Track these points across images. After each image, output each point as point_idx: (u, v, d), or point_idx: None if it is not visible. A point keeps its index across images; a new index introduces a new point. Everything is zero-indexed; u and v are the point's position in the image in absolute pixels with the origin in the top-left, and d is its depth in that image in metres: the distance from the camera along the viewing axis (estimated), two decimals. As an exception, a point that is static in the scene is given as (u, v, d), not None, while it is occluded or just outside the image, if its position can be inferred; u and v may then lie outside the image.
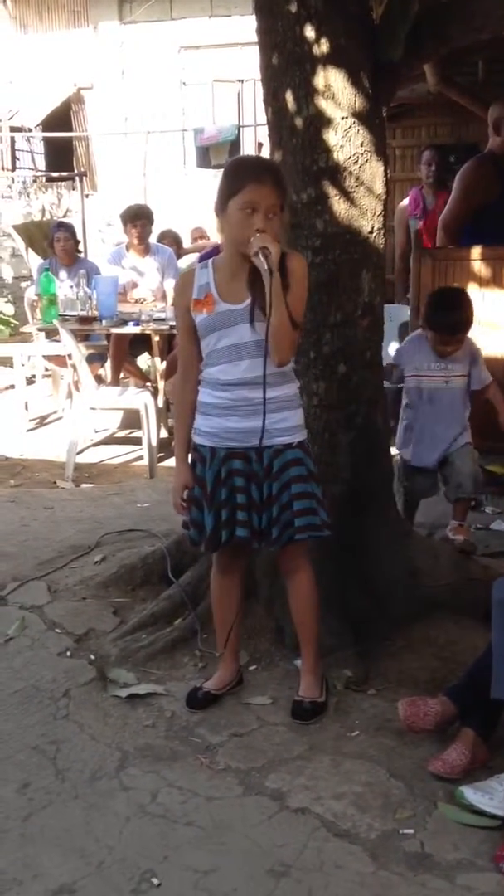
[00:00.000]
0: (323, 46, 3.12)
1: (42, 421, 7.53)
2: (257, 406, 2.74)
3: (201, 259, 7.45)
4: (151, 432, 6.03)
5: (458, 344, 4.03)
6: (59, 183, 13.89)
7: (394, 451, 3.92)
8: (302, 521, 2.81)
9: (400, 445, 4.23)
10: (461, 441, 4.10)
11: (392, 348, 4.98)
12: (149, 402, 6.09)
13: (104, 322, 6.48)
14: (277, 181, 2.72)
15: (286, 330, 2.71)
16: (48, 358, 7.61)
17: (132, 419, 6.73)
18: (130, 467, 6.30)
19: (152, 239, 7.51)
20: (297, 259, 2.83)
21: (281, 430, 2.80)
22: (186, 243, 8.81)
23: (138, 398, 6.21)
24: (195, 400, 2.89)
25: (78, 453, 6.14)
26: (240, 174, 2.73)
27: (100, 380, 6.99)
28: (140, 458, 6.30)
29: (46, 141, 15.58)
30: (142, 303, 7.03)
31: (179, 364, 2.97)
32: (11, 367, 7.95)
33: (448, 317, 4.00)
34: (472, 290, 4.41)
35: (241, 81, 12.50)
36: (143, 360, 7.62)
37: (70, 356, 6.16)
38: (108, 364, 7.17)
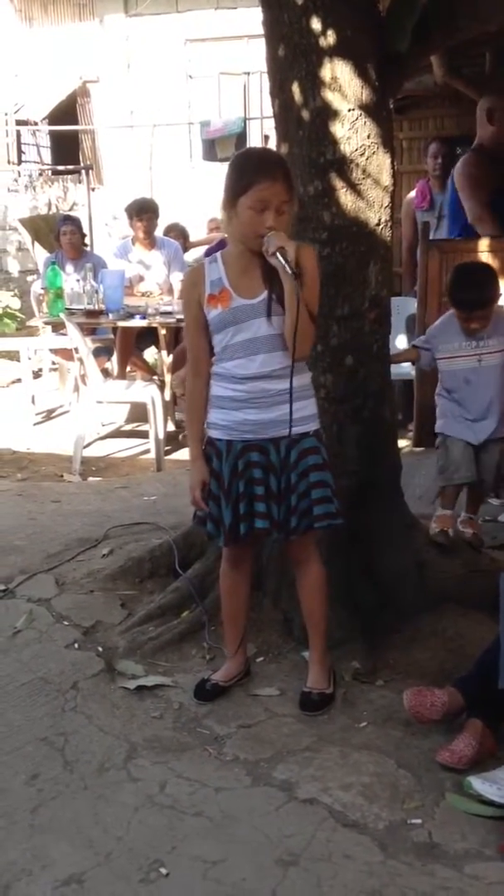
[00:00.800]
0: (329, 38, 3.11)
1: (49, 415, 7.54)
2: (275, 397, 2.77)
3: (207, 254, 7.47)
4: (158, 426, 6.04)
5: (483, 320, 3.85)
6: (66, 176, 13.87)
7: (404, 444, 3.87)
8: (320, 510, 2.82)
9: (438, 425, 4.06)
10: (495, 432, 3.93)
11: (399, 341, 4.98)
12: (155, 395, 6.11)
13: (111, 316, 6.49)
14: (286, 175, 2.72)
15: (307, 323, 2.72)
16: (55, 351, 7.63)
17: (139, 412, 6.73)
18: (137, 460, 6.31)
19: (158, 232, 7.51)
20: (308, 252, 2.82)
21: (297, 420, 2.81)
22: (194, 236, 8.80)
23: (145, 392, 6.22)
24: (207, 396, 2.90)
25: (85, 447, 6.15)
26: (249, 170, 2.70)
27: (106, 373, 7.00)
28: (147, 451, 6.31)
29: (52, 134, 15.56)
30: (148, 296, 7.03)
31: (189, 359, 2.96)
32: (18, 360, 7.97)
33: (469, 293, 3.85)
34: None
35: (248, 74, 12.46)
36: (150, 354, 7.63)
37: (77, 350, 6.17)
38: (115, 358, 7.18)
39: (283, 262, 2.63)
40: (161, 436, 6.07)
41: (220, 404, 2.86)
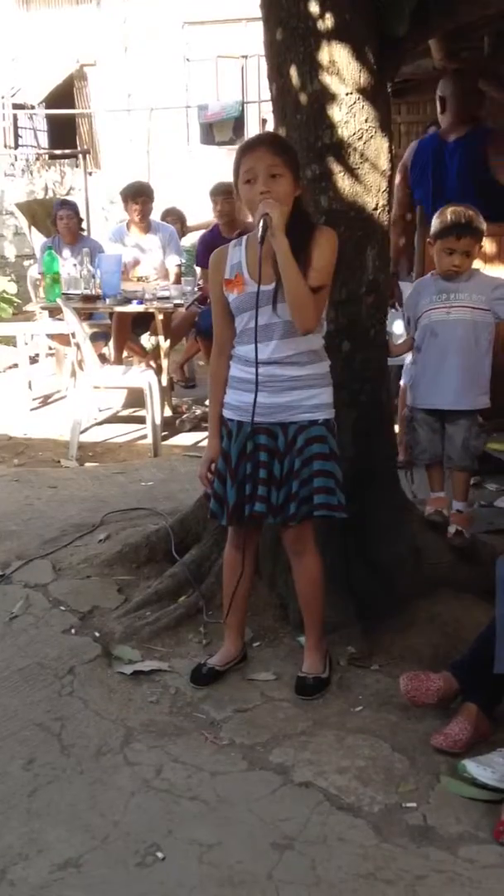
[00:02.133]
0: (328, 21, 3.09)
1: (45, 400, 7.53)
2: (286, 382, 2.81)
3: (201, 239, 7.47)
4: (155, 411, 6.03)
5: (466, 257, 3.78)
6: (62, 160, 13.83)
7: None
8: (321, 499, 2.83)
9: (408, 397, 4.02)
10: (465, 402, 3.83)
11: (397, 326, 4.95)
12: (153, 380, 6.09)
13: (107, 300, 6.46)
14: (272, 144, 2.78)
15: (302, 291, 2.70)
16: (52, 337, 7.60)
17: (136, 398, 6.72)
18: (134, 446, 6.30)
19: (156, 216, 7.49)
20: (324, 232, 2.84)
21: (308, 407, 2.83)
22: (191, 220, 8.78)
23: (142, 377, 6.21)
24: (227, 375, 2.93)
25: (82, 432, 6.15)
26: (239, 152, 2.79)
27: (103, 358, 6.98)
28: (144, 436, 6.30)
29: (49, 118, 15.49)
30: (144, 281, 7.01)
31: (214, 339, 3.00)
32: (15, 346, 7.95)
33: (458, 219, 3.77)
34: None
35: (245, 57, 12.42)
36: (147, 339, 7.61)
37: (73, 335, 6.16)
38: (112, 343, 7.17)
39: (262, 228, 2.66)
40: (158, 421, 6.05)
41: (236, 385, 2.89)
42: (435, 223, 3.88)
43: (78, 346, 6.15)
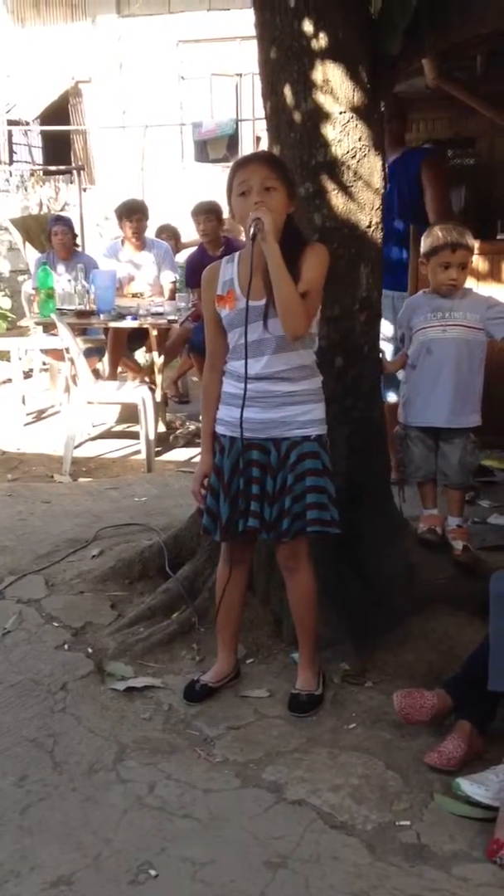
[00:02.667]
0: (321, 40, 3.12)
1: (39, 415, 7.53)
2: (279, 398, 2.81)
3: (188, 260, 7.48)
4: (149, 427, 6.03)
5: (460, 270, 3.81)
6: (57, 176, 13.85)
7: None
8: (314, 514, 2.82)
9: (399, 414, 4.01)
10: (460, 420, 3.84)
11: (386, 328, 4.94)
12: (146, 396, 6.10)
13: (102, 316, 6.48)
14: (267, 160, 2.82)
15: (292, 296, 2.70)
16: (45, 352, 7.61)
17: (130, 413, 6.73)
18: (128, 461, 6.30)
19: (150, 233, 7.51)
20: (315, 246, 2.86)
21: (301, 423, 2.84)
22: (185, 237, 8.80)
23: (136, 392, 6.22)
24: (220, 391, 2.93)
25: (76, 447, 6.14)
26: (233, 169, 2.81)
27: (97, 374, 6.99)
28: (138, 452, 6.30)
29: (44, 134, 15.55)
30: (139, 297, 7.02)
31: (207, 355, 3.00)
32: (9, 361, 7.95)
33: (450, 234, 3.78)
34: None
35: (240, 75, 12.48)
36: (141, 355, 7.62)
37: (67, 350, 6.16)
38: (106, 358, 7.17)
39: (253, 227, 2.67)
40: (152, 437, 6.05)
41: (228, 401, 2.89)
42: (426, 242, 3.91)
43: (72, 361, 6.16)
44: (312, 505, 2.82)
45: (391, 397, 4.63)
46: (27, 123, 14.65)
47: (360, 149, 3.23)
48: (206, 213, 6.86)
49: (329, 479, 2.88)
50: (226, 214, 7.20)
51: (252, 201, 2.70)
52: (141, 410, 6.05)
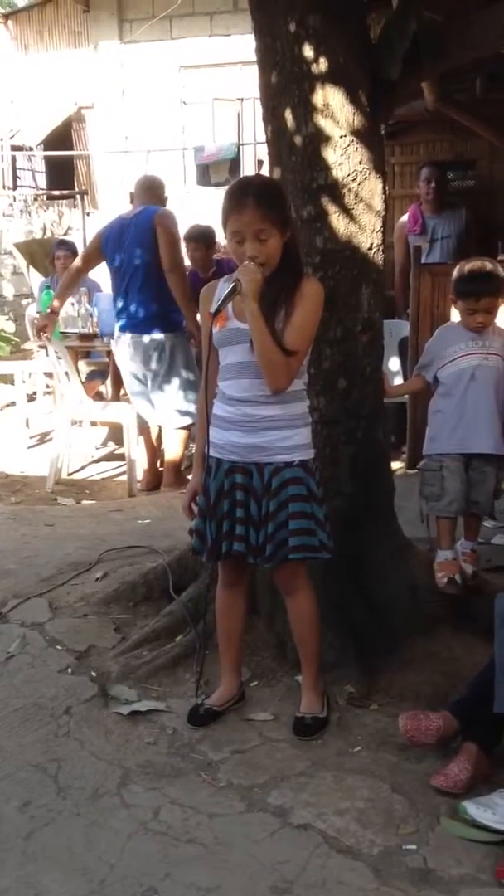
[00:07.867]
0: (322, 65, 3.14)
1: (43, 438, 7.54)
2: (260, 422, 2.79)
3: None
4: (132, 448, 5.95)
5: (488, 315, 3.74)
6: (60, 201, 13.94)
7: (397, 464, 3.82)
8: (297, 541, 2.80)
9: (429, 446, 3.83)
10: (499, 447, 3.74)
11: (392, 363, 4.97)
12: (132, 416, 5.99)
13: (105, 339, 6.49)
14: (259, 203, 2.68)
15: (273, 357, 2.70)
16: (49, 375, 7.62)
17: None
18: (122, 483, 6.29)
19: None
20: (310, 286, 2.82)
21: (282, 449, 2.81)
22: (187, 261, 8.82)
23: (120, 412, 6.16)
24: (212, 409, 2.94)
25: (78, 470, 6.14)
26: (224, 204, 2.75)
27: (100, 397, 7.00)
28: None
29: (47, 159, 15.66)
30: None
31: (203, 373, 3.00)
32: (12, 384, 7.98)
33: (477, 280, 3.73)
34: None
35: (241, 100, 12.55)
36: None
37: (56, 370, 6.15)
38: (109, 381, 7.19)
39: (229, 289, 2.68)
40: (135, 457, 5.95)
41: (217, 423, 2.88)
42: (455, 282, 3.86)
43: (66, 376, 6.13)
44: (296, 531, 2.79)
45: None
46: (31, 149, 14.77)
47: (361, 171, 3.25)
48: (196, 242, 6.91)
49: (317, 503, 2.85)
50: (219, 237, 7.25)
51: (245, 254, 2.69)
52: (125, 431, 5.98)
